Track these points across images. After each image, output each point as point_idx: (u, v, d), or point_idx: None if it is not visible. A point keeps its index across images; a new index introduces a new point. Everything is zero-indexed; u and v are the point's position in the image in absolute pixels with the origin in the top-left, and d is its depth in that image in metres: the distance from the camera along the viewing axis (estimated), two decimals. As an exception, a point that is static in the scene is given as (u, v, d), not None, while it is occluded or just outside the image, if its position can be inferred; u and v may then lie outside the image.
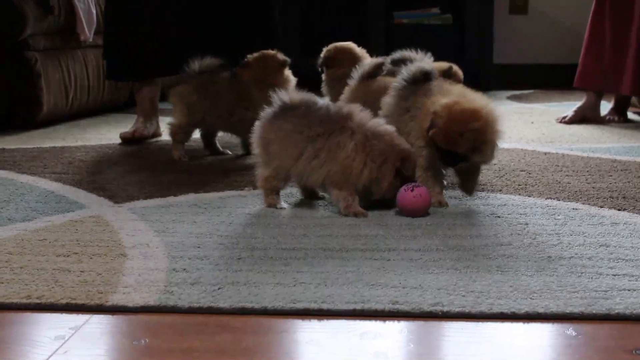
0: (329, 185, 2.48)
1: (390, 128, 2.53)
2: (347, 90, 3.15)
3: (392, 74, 3.05)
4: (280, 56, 3.39)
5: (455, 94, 2.57)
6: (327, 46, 3.68)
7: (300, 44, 6.31)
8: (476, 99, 2.55)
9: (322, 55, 3.59)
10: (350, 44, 3.57)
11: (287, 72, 3.41)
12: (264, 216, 2.44)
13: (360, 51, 3.63)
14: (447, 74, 3.14)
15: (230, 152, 3.54)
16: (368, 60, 3.22)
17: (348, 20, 6.59)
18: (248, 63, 3.40)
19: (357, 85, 3.13)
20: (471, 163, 2.53)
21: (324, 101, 2.57)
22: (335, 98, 3.35)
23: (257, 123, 2.58)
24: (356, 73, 3.15)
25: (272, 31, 4.02)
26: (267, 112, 2.56)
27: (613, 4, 4.46)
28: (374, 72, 3.15)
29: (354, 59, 3.48)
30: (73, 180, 2.98)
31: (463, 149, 2.44)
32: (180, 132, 3.44)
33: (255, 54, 3.41)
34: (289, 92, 2.58)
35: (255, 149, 2.59)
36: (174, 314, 1.71)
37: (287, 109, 2.51)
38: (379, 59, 3.20)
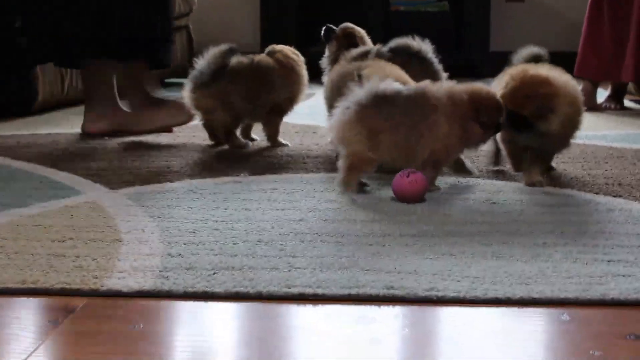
0: (427, 165, 2.53)
1: (447, 83, 2.63)
2: (334, 70, 3.15)
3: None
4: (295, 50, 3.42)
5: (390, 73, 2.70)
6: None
7: (297, 31, 6.31)
8: (559, 73, 2.64)
9: (337, 30, 3.51)
10: (363, 31, 3.53)
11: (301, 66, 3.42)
12: (259, 201, 2.44)
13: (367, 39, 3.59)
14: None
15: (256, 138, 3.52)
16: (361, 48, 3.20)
17: (345, 7, 6.58)
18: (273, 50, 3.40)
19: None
20: (537, 135, 2.56)
21: (402, 86, 2.55)
22: None
23: (350, 106, 2.50)
24: (346, 55, 3.13)
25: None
26: (356, 100, 2.48)
27: None
28: (360, 57, 3.12)
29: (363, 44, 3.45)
30: (68, 166, 2.97)
31: (528, 112, 2.51)
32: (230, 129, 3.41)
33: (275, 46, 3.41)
34: (379, 80, 2.54)
35: (353, 129, 2.49)
36: (169, 299, 1.71)
37: (381, 98, 2.47)
38: (373, 47, 3.19)
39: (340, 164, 2.54)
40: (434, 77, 3.04)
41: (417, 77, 2.91)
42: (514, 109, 2.52)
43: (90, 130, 3.72)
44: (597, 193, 2.55)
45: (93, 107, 3.73)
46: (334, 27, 3.44)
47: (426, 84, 2.57)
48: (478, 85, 2.57)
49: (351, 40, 3.37)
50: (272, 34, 6.08)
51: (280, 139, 3.41)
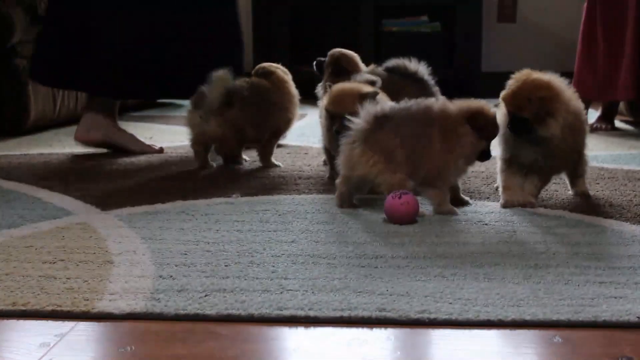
0: (424, 185, 2.55)
1: (435, 100, 2.65)
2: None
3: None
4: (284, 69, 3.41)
5: None
6: (329, 51, 3.60)
7: (290, 51, 6.32)
8: (561, 81, 2.67)
9: (327, 59, 3.51)
10: (353, 54, 3.53)
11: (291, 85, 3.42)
12: (250, 223, 2.44)
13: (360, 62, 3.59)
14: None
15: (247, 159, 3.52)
16: (366, 73, 3.19)
17: (337, 27, 6.60)
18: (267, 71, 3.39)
19: None
20: (538, 141, 2.58)
21: (413, 102, 2.58)
22: None
23: (363, 133, 2.50)
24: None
25: (237, 48, 3.89)
26: (370, 121, 2.49)
27: (604, 11, 4.47)
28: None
29: (356, 69, 3.44)
30: (60, 186, 2.97)
31: (528, 114, 2.53)
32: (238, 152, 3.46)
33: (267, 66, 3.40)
34: (383, 102, 2.62)
35: (370, 159, 2.49)
36: (161, 321, 1.70)
37: (383, 118, 2.50)
38: (374, 72, 3.20)
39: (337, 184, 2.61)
40: (431, 94, 3.08)
41: (414, 98, 2.92)
42: (514, 111, 2.56)
43: (82, 138, 3.73)
44: (588, 214, 2.56)
45: (90, 117, 3.73)
46: (323, 59, 3.46)
47: (422, 100, 2.59)
48: (468, 100, 2.59)
49: (339, 66, 3.38)
50: (265, 53, 6.09)
51: (273, 159, 3.41)
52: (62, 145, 4.01)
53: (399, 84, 3.14)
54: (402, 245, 2.20)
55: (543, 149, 2.60)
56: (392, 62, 3.26)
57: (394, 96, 2.91)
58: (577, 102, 2.67)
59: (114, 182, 3.09)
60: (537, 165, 2.65)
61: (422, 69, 3.24)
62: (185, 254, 2.12)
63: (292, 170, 3.35)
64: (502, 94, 2.60)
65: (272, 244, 2.22)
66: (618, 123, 4.75)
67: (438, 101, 2.62)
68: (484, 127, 2.53)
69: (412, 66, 3.23)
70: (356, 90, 2.74)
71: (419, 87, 3.17)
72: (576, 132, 2.67)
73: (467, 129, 2.51)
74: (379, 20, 6.46)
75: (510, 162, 2.68)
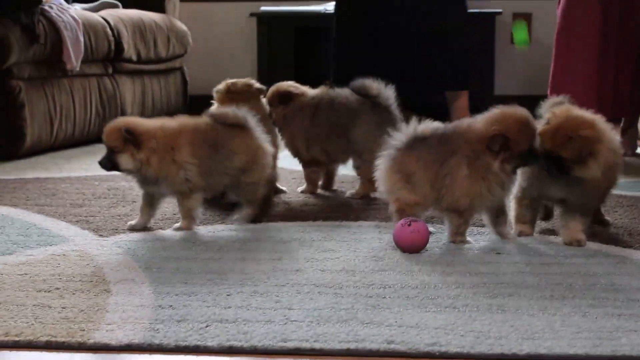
0: (450, 211, 2.54)
1: (459, 122, 2.63)
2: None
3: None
4: (257, 85, 3.38)
5: None
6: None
7: (295, 73, 6.34)
8: (600, 119, 2.58)
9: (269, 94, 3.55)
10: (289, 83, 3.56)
11: (263, 100, 3.40)
12: (255, 251, 2.43)
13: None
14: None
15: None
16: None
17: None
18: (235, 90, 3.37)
19: None
20: (573, 182, 2.48)
21: (446, 125, 2.60)
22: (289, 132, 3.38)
23: (388, 154, 2.58)
24: None
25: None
26: (396, 144, 2.56)
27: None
28: None
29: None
30: (56, 212, 2.97)
31: (568, 154, 2.43)
32: None
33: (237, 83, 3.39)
34: (419, 123, 2.59)
35: (391, 178, 2.57)
36: (160, 353, 1.70)
37: (418, 140, 2.53)
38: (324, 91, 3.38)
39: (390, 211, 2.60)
40: (393, 120, 3.20)
41: (373, 120, 3.20)
42: (552, 149, 2.45)
43: None
44: (606, 243, 2.55)
45: None
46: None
47: (462, 120, 2.60)
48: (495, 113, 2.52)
49: (284, 97, 3.39)
50: (270, 76, 6.11)
51: (278, 184, 3.41)
52: (59, 169, 4.02)
53: (352, 104, 3.27)
54: (411, 275, 2.19)
55: (576, 189, 2.50)
56: (359, 83, 3.29)
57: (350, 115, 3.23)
58: (616, 141, 2.59)
59: (112, 207, 3.09)
60: (564, 202, 2.57)
61: (384, 92, 3.27)
62: (186, 283, 2.12)
63: (297, 196, 3.35)
64: (540, 129, 2.48)
65: (277, 272, 2.21)
66: None
67: (470, 123, 2.55)
68: (508, 146, 2.43)
69: (374, 87, 3.26)
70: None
71: (376, 110, 3.26)
72: (613, 172, 2.57)
73: (491, 156, 2.45)
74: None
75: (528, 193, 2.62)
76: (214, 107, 3.30)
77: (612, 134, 2.57)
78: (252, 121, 2.83)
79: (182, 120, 2.79)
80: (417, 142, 2.52)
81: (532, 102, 4.72)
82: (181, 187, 2.70)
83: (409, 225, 2.41)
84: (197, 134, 2.74)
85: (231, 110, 2.83)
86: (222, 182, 2.80)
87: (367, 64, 4.25)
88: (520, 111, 2.48)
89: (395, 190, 2.55)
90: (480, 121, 2.51)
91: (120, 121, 2.73)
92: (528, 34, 3.66)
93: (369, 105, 3.26)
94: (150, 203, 2.78)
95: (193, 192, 2.72)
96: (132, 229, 2.73)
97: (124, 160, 2.64)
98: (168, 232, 2.68)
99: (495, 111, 2.50)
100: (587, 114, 2.54)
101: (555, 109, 2.55)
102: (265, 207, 2.91)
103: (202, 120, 2.82)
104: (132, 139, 2.62)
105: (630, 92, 4.33)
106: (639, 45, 4.34)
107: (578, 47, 4.37)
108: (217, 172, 2.75)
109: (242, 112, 2.82)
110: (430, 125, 2.56)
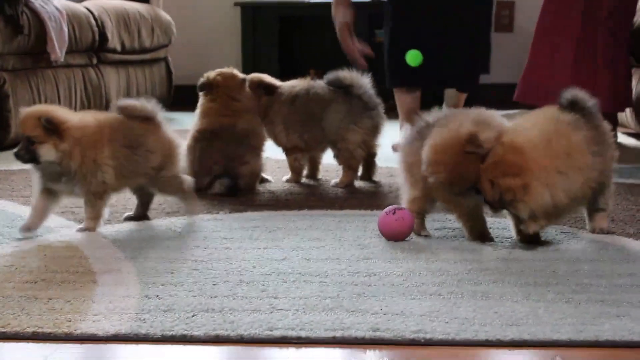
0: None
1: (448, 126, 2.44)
2: None
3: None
4: (240, 75, 3.38)
5: None
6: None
7: (279, 63, 6.33)
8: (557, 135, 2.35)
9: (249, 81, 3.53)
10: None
11: (247, 89, 3.39)
12: (240, 240, 2.43)
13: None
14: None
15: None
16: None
17: (327, 38, 6.61)
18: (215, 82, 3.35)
19: None
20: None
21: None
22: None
23: (400, 147, 2.61)
24: None
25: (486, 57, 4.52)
26: (409, 135, 2.56)
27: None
28: None
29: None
30: (42, 203, 2.95)
31: (490, 199, 2.31)
32: None
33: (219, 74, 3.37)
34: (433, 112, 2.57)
35: (400, 172, 2.59)
36: (147, 343, 1.69)
37: (424, 130, 2.49)
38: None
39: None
40: (366, 108, 3.30)
41: (343, 109, 3.26)
42: (481, 191, 2.32)
43: None
44: (589, 230, 2.55)
45: None
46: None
47: (453, 113, 2.59)
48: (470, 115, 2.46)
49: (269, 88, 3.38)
50: (254, 65, 6.10)
51: (263, 174, 3.41)
52: (44, 160, 4.00)
53: (326, 95, 3.31)
54: (396, 262, 2.20)
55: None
56: (332, 75, 3.32)
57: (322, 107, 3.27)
58: (559, 161, 2.30)
59: (98, 198, 3.08)
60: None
61: (359, 81, 3.29)
62: (172, 273, 2.11)
63: (283, 185, 3.35)
64: (482, 165, 2.31)
65: (262, 261, 2.21)
66: (620, 136, 4.74)
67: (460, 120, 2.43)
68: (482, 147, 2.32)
69: (348, 77, 3.28)
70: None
71: (347, 99, 3.30)
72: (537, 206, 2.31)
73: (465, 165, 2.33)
74: (372, 30, 6.48)
75: None
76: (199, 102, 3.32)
77: (558, 162, 2.30)
78: (160, 114, 2.69)
79: (98, 116, 2.64)
80: (425, 133, 2.47)
81: (514, 88, 4.76)
82: (96, 188, 2.54)
83: (394, 213, 2.42)
84: (115, 132, 2.59)
85: (139, 102, 2.67)
86: (138, 183, 2.66)
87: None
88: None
89: (402, 184, 2.57)
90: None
91: (38, 109, 2.58)
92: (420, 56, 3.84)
93: (341, 94, 3.28)
94: (48, 203, 2.57)
95: (106, 193, 2.58)
96: (24, 231, 2.52)
97: (45, 151, 2.47)
98: (154, 222, 2.68)
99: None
100: (530, 141, 2.30)
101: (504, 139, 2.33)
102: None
103: (115, 117, 2.64)
104: (52, 128, 2.46)
105: (617, 86, 4.34)
106: (628, 38, 4.35)
107: (557, 33, 4.39)
108: (135, 173, 2.62)
109: (151, 105, 2.67)
110: (435, 115, 2.55)
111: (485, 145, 2.30)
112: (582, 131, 2.36)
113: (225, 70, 3.35)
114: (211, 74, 3.33)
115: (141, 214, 2.75)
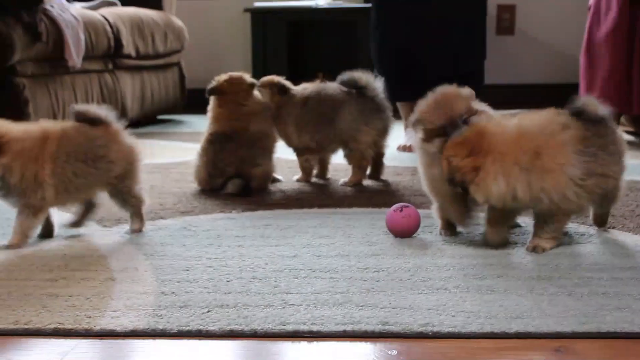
0: None
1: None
2: None
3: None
4: (248, 79, 3.37)
5: None
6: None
7: (288, 67, 6.33)
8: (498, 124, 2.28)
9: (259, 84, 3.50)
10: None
11: (256, 93, 3.38)
12: (252, 238, 2.43)
13: None
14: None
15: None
16: None
17: (334, 41, 6.62)
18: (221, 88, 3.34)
19: None
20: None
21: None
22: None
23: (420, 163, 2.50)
24: None
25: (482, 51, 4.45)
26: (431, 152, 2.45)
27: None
28: None
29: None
30: (61, 204, 2.96)
31: (445, 177, 2.26)
32: None
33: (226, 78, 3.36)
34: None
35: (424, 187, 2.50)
36: (164, 338, 1.70)
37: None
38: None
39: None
40: (377, 109, 3.30)
41: (355, 110, 3.24)
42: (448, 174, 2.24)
43: None
44: (590, 225, 2.55)
45: None
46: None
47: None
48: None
49: (283, 89, 3.37)
50: (264, 69, 6.10)
51: (274, 174, 3.41)
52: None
53: (338, 96, 3.30)
54: (404, 258, 2.19)
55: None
56: (347, 75, 3.31)
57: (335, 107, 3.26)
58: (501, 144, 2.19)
59: (115, 199, 3.08)
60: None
61: (373, 84, 3.29)
62: (187, 270, 2.12)
63: (293, 184, 3.35)
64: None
65: (274, 258, 2.21)
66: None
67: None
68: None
69: (363, 79, 3.28)
70: None
71: (360, 100, 3.28)
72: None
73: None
74: (377, 33, 6.47)
75: None
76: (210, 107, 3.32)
77: (520, 153, 2.17)
78: (115, 119, 2.52)
79: (50, 127, 2.42)
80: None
81: (516, 90, 4.73)
82: (35, 203, 2.35)
83: (401, 210, 2.42)
84: (65, 145, 2.38)
85: (92, 107, 2.49)
86: (93, 194, 2.51)
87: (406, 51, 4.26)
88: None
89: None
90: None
91: None
92: None
93: (354, 96, 3.27)
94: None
95: (43, 210, 2.39)
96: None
97: None
98: (169, 222, 2.68)
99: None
100: (485, 128, 2.22)
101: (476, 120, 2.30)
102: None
103: (72, 126, 2.44)
104: None
105: None
106: None
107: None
108: (89, 186, 2.45)
109: (104, 110, 2.50)
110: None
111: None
112: (572, 130, 2.21)
113: (234, 74, 3.34)
114: (221, 77, 3.32)
115: (78, 223, 2.59)
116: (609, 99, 4.41)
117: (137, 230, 2.54)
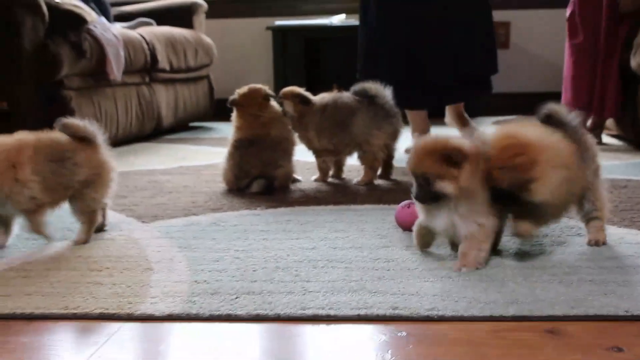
0: None
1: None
2: None
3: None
4: (264, 91, 3.36)
5: None
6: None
7: (306, 78, 6.34)
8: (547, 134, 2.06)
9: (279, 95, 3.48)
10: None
11: (273, 103, 3.38)
12: (275, 232, 2.44)
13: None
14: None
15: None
16: None
17: (348, 56, 6.62)
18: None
19: None
20: (525, 204, 2.00)
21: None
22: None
23: None
24: None
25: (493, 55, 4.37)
26: None
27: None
28: None
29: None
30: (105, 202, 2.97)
31: (506, 184, 1.97)
32: None
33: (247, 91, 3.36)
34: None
35: None
36: (197, 321, 1.71)
37: None
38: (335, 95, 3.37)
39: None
40: (387, 115, 3.30)
41: (367, 116, 3.26)
42: (494, 184, 1.99)
43: None
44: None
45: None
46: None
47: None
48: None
49: (305, 99, 3.36)
50: (284, 81, 6.11)
51: (294, 175, 3.41)
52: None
53: (352, 104, 3.30)
54: (411, 250, 2.19)
55: (537, 207, 2.03)
56: (359, 86, 3.33)
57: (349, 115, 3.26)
58: (566, 154, 2.04)
59: (152, 198, 3.10)
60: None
61: (382, 92, 3.29)
62: (217, 261, 2.12)
63: (311, 184, 3.35)
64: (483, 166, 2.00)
65: (295, 250, 2.22)
66: (605, 138, 4.71)
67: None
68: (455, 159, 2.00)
69: (373, 89, 3.28)
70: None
71: (371, 108, 3.29)
72: (571, 184, 2.09)
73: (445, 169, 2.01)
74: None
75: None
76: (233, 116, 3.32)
77: (557, 148, 2.03)
78: (101, 138, 2.43)
79: (20, 137, 2.32)
80: None
81: (511, 98, 4.71)
82: (27, 205, 2.27)
83: (408, 207, 2.41)
84: (38, 149, 2.28)
85: (82, 123, 2.40)
86: (66, 196, 2.37)
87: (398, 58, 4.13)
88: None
89: None
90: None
91: None
92: None
93: (365, 104, 3.28)
94: (3, 224, 2.34)
95: (40, 208, 2.31)
96: None
97: None
98: (200, 218, 2.69)
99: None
100: (527, 134, 2.01)
101: (494, 137, 2.04)
102: None
103: (46, 135, 2.35)
104: None
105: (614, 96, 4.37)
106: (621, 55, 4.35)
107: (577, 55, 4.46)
108: (62, 186, 2.32)
109: (93, 127, 2.41)
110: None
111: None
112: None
113: (253, 86, 3.34)
114: (241, 90, 3.33)
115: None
116: (581, 104, 4.45)
117: (79, 242, 2.37)
